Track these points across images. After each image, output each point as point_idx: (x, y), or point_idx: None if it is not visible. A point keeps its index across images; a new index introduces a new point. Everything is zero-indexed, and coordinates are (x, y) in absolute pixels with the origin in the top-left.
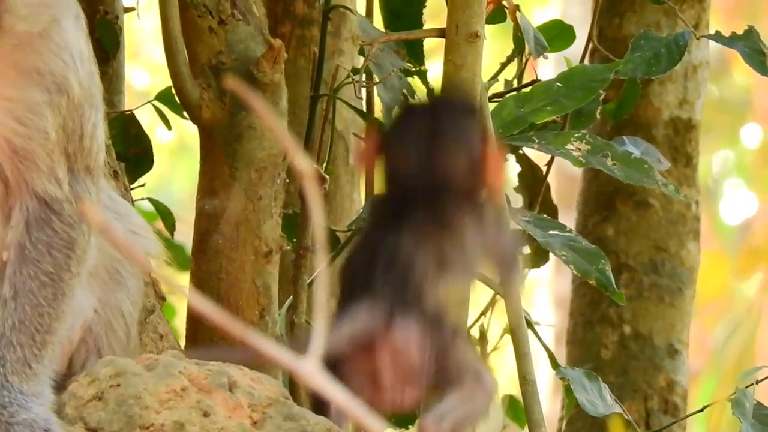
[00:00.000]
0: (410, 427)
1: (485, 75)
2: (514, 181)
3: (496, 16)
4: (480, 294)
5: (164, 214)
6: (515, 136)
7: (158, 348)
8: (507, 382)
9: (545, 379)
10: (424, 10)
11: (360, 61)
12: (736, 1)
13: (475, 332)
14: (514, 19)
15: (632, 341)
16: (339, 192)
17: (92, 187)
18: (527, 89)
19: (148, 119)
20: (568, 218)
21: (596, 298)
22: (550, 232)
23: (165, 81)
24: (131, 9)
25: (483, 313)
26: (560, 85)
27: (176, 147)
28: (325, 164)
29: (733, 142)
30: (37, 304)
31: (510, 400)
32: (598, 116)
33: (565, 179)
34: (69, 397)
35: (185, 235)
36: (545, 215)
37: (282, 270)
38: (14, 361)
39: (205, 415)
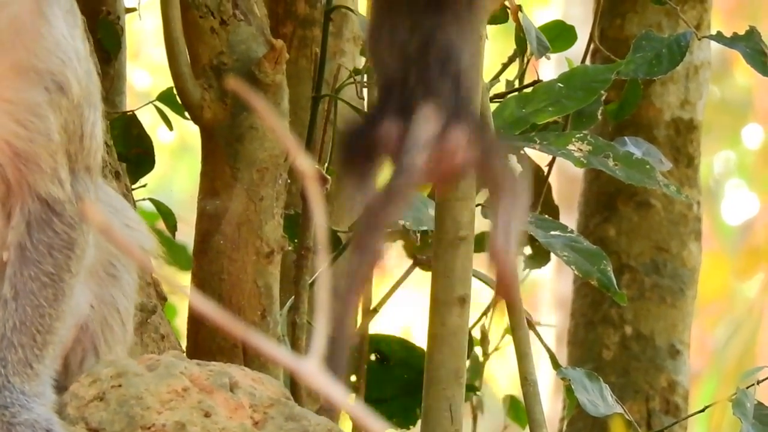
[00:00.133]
0: (411, 427)
1: (487, 75)
2: None
3: (498, 16)
4: (480, 294)
5: (165, 214)
6: (517, 136)
7: (160, 348)
8: (508, 383)
9: (546, 380)
10: None
11: (362, 62)
12: (737, 1)
13: (476, 333)
14: (516, 20)
15: (633, 342)
16: (340, 192)
17: (92, 185)
18: (529, 90)
19: (149, 120)
20: (570, 219)
21: (597, 298)
22: (552, 232)
23: (166, 81)
24: (133, 9)
25: (484, 314)
26: (562, 85)
27: (178, 147)
28: (326, 165)
29: (734, 142)
30: (38, 305)
31: (511, 401)
32: (600, 117)
33: (566, 180)
34: (70, 397)
35: (187, 235)
36: (546, 216)
37: (283, 270)
38: (15, 362)
39: (207, 415)
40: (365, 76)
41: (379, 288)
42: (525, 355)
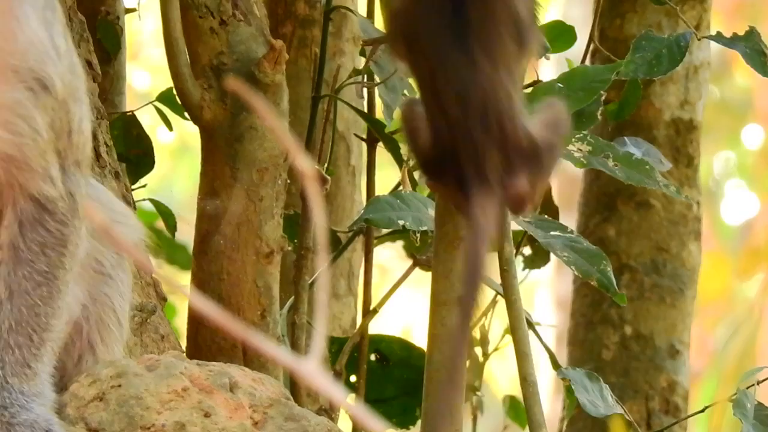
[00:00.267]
0: (410, 427)
1: None
2: None
3: None
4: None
5: (165, 214)
6: None
7: (159, 349)
8: (508, 383)
9: (546, 380)
10: None
11: (361, 62)
12: (737, 1)
13: (475, 333)
14: None
15: (633, 342)
16: (340, 193)
17: (82, 180)
18: (529, 90)
19: (149, 120)
20: (570, 219)
21: (597, 298)
22: (552, 233)
23: (166, 82)
24: (132, 10)
25: (484, 314)
26: (561, 85)
27: (177, 148)
28: (326, 165)
29: (734, 142)
30: (33, 305)
31: (511, 401)
32: (600, 117)
33: (566, 180)
34: (70, 397)
35: (187, 234)
36: (546, 216)
37: (283, 271)
38: (13, 363)
39: (206, 415)
40: (365, 76)
41: (379, 288)
42: (525, 356)
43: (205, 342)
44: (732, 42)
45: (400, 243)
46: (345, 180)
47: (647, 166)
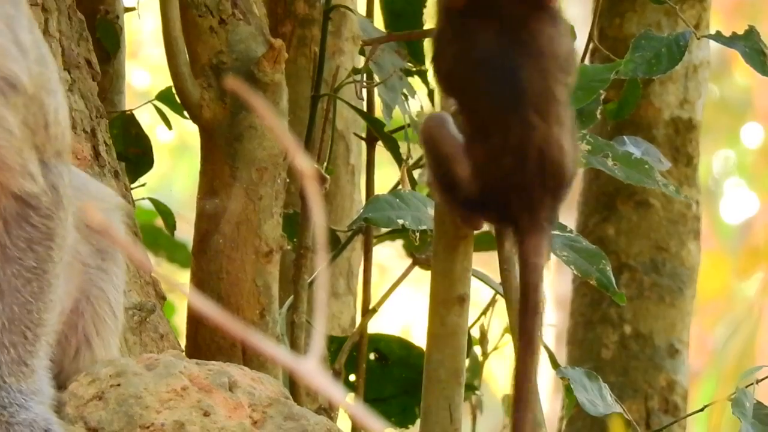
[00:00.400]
0: (410, 426)
1: None
2: None
3: None
4: (480, 294)
5: (165, 213)
6: None
7: (159, 348)
8: (507, 382)
9: (545, 379)
10: (425, 10)
11: (361, 61)
12: (736, 1)
13: (475, 332)
14: None
15: (633, 341)
16: (339, 192)
17: (64, 170)
18: None
19: (148, 119)
20: (569, 218)
21: (597, 298)
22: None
23: (165, 81)
24: (132, 9)
25: (483, 313)
26: None
27: (177, 146)
28: (325, 164)
29: (733, 141)
30: (24, 302)
31: (510, 400)
32: (599, 116)
33: None
34: (69, 396)
35: (187, 233)
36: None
37: (282, 270)
38: (9, 362)
39: (206, 414)
40: (364, 75)
41: (378, 287)
42: None
43: (204, 341)
44: (731, 41)
45: (399, 242)
46: (344, 179)
47: (646, 166)
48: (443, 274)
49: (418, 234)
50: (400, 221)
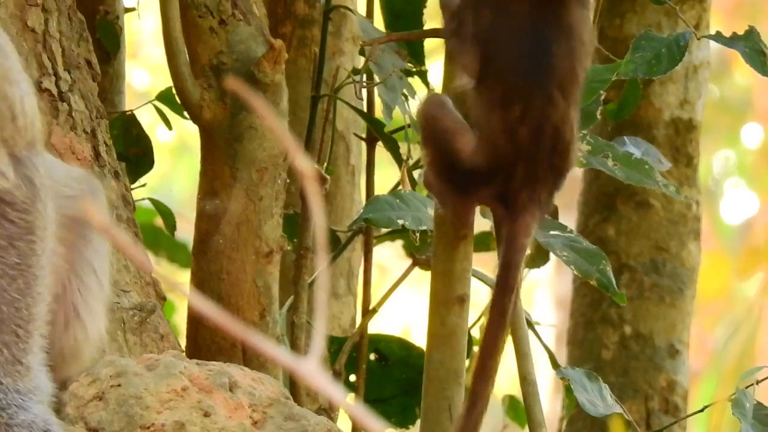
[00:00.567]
0: (410, 426)
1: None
2: None
3: None
4: (480, 294)
5: (165, 214)
6: None
7: (159, 348)
8: (507, 383)
9: (546, 380)
10: (425, 10)
11: (361, 62)
12: (736, 1)
13: (475, 332)
14: None
15: (633, 341)
16: (339, 192)
17: (38, 160)
18: None
19: (148, 119)
20: (569, 219)
21: (597, 298)
22: (551, 232)
23: (165, 81)
24: (132, 9)
25: (483, 313)
26: None
27: (177, 147)
28: (325, 164)
29: (733, 141)
30: (12, 300)
31: (510, 400)
32: (599, 116)
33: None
34: (70, 396)
35: (188, 233)
36: (546, 216)
37: (283, 270)
38: (4, 363)
39: (206, 415)
40: (364, 75)
41: (378, 287)
42: (524, 355)
43: (204, 341)
44: (731, 41)
45: (399, 242)
46: (344, 179)
47: (647, 166)
48: (443, 274)
49: (418, 234)
50: (400, 222)
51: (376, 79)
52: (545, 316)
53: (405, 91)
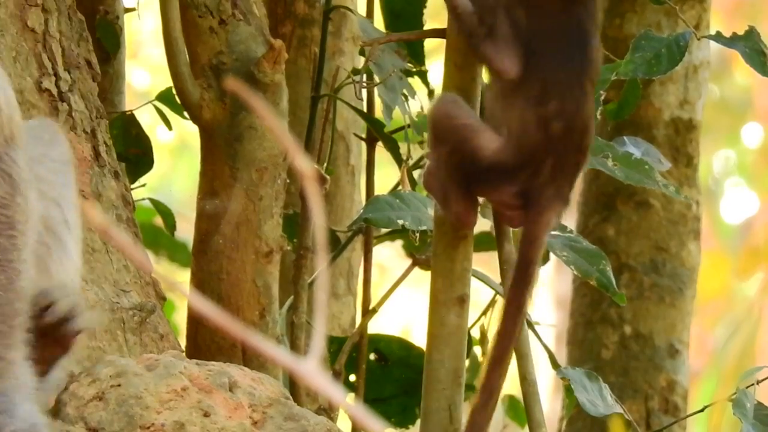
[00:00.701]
0: (410, 426)
1: (487, 76)
2: None
3: None
4: (480, 294)
5: (165, 214)
6: None
7: (159, 348)
8: (507, 382)
9: (546, 379)
10: (425, 10)
11: (360, 62)
12: (736, 1)
13: (475, 332)
14: None
15: (633, 341)
16: (339, 192)
17: (18, 154)
18: None
19: (148, 119)
20: (569, 219)
21: (597, 298)
22: (551, 232)
23: (165, 81)
24: (132, 9)
25: (483, 313)
26: None
27: (177, 147)
28: (325, 164)
29: (733, 141)
30: None
31: (510, 400)
32: (599, 117)
33: None
34: (69, 396)
35: (188, 232)
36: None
37: (282, 270)
38: None
39: (206, 415)
40: (364, 75)
41: (378, 287)
42: (524, 355)
43: (204, 341)
44: (731, 41)
45: (399, 242)
46: (344, 179)
47: (647, 166)
48: (443, 274)
49: (418, 234)
50: (400, 222)
51: (376, 79)
52: (545, 316)
53: (405, 91)
